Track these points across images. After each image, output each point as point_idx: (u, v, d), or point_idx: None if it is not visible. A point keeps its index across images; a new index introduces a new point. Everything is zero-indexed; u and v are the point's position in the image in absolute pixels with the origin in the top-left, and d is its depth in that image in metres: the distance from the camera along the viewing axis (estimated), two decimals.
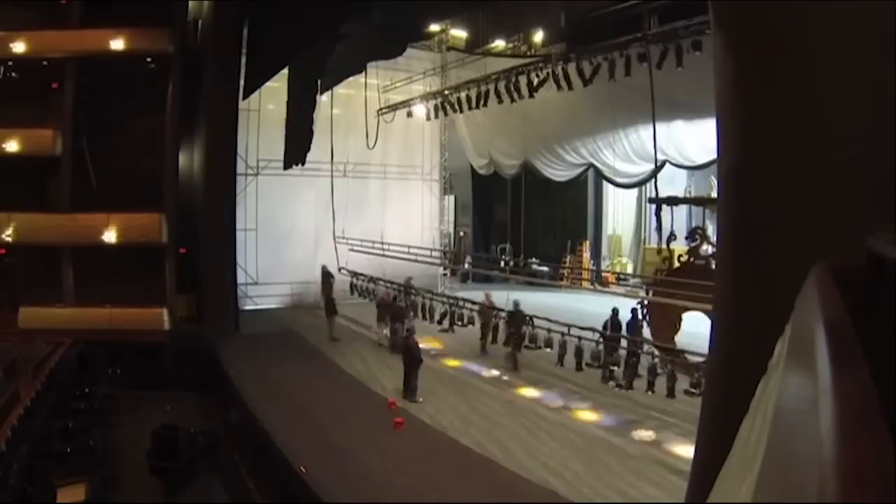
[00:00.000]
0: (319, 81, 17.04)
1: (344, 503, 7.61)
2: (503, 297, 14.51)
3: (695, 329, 10.19)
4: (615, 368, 11.70)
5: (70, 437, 10.77)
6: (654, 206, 12.81)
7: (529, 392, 11.75)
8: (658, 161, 13.06)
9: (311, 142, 17.20)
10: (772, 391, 1.53)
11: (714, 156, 5.26)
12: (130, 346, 15.24)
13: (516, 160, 20.08)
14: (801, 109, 3.60)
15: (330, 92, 18.56)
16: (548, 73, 13.89)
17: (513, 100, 14.83)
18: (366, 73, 18.62)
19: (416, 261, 19.19)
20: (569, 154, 17.23)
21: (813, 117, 3.55)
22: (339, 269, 19.09)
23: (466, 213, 26.29)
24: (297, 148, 17.49)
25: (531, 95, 14.39)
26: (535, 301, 18.40)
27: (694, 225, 22.15)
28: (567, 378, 12.33)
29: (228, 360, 13.99)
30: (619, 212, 23.37)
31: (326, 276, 18.15)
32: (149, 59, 17.23)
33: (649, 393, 10.82)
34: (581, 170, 17.57)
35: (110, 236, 16.54)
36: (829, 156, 3.48)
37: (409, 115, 19.92)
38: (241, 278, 19.08)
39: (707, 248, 11.09)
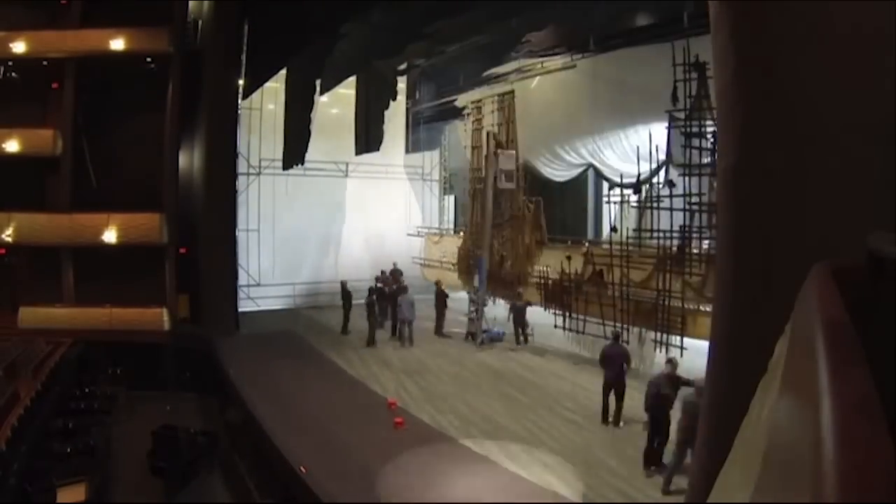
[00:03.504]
0: (318, 82, 17.10)
1: (344, 503, 7.61)
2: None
3: None
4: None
5: (70, 437, 10.76)
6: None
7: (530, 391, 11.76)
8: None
9: (308, 142, 17.28)
10: (772, 391, 1.53)
11: None
12: (130, 346, 15.25)
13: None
14: (801, 109, 3.60)
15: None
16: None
17: None
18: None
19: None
20: (568, 154, 17.23)
21: (812, 117, 3.55)
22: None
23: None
24: (295, 148, 17.57)
25: None
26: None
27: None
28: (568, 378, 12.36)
29: (228, 360, 13.98)
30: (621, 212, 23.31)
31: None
32: (149, 59, 17.23)
33: None
34: (581, 170, 17.55)
35: (110, 236, 16.55)
36: (828, 155, 3.48)
37: None
38: (242, 279, 19.08)
39: None
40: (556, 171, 17.92)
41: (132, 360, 15.07)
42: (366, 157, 20.73)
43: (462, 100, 19.32)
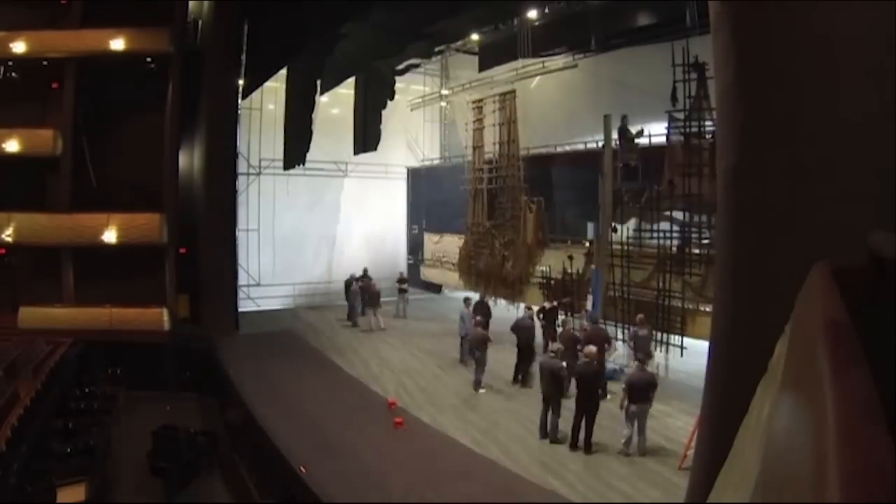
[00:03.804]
0: (319, 82, 17.10)
1: (344, 503, 7.61)
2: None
3: None
4: None
5: (70, 437, 10.76)
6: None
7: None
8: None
9: (310, 142, 17.29)
10: (772, 391, 1.53)
11: None
12: (130, 346, 15.24)
13: None
14: (801, 109, 3.59)
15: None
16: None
17: None
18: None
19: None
20: None
21: (813, 117, 3.55)
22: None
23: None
24: (296, 148, 17.57)
25: None
26: None
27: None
28: None
29: (228, 360, 13.98)
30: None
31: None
32: (149, 59, 17.22)
33: None
34: None
35: (110, 236, 16.53)
36: (828, 155, 3.47)
37: None
38: (242, 279, 19.07)
39: None
40: None
41: (132, 360, 15.05)
42: (366, 156, 20.75)
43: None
